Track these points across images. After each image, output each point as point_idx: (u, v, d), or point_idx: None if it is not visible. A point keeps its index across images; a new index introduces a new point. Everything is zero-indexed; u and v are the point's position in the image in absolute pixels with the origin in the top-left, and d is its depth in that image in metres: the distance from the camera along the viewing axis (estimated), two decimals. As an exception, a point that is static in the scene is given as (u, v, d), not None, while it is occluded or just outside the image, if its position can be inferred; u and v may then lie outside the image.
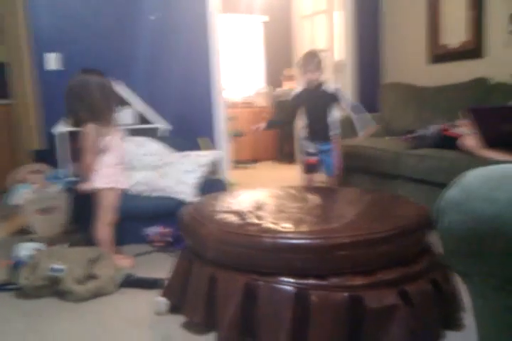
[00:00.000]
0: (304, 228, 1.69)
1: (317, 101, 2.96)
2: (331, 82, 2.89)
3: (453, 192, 0.88)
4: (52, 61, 3.49)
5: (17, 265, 2.19)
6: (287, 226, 1.71)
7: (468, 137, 2.73)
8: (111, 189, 2.43)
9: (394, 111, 3.96)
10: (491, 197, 0.80)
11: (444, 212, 0.89)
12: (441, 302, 1.63)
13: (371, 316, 1.50)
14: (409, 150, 3.06)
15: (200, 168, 3.07)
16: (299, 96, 3.04)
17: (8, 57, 4.32)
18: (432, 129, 3.09)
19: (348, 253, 1.59)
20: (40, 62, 3.51)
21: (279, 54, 6.61)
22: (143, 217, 2.90)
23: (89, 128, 2.36)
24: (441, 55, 3.95)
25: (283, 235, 1.64)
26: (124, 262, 2.44)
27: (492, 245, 0.80)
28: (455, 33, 3.79)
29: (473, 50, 3.66)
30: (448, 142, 2.88)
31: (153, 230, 2.81)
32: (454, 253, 0.89)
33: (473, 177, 0.88)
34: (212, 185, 3.07)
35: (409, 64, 4.25)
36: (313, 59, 2.92)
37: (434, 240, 1.24)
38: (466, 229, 0.83)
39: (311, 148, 3.04)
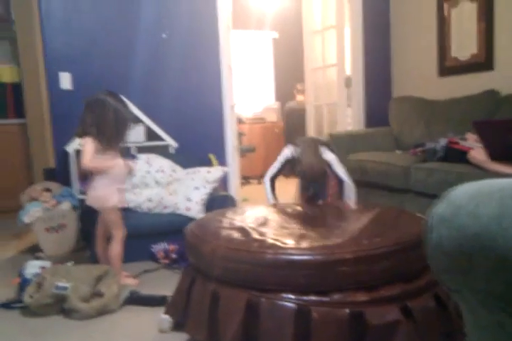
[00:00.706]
0: (305, 244, 1.67)
1: None
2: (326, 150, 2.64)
3: (441, 207, 0.87)
4: (64, 81, 3.56)
5: (23, 283, 2.21)
6: (289, 242, 1.70)
7: (478, 150, 2.70)
8: (107, 208, 2.44)
9: (403, 124, 3.94)
10: (476, 213, 0.79)
11: (433, 228, 0.87)
12: (445, 318, 1.60)
13: (373, 332, 1.47)
14: (418, 164, 3.03)
15: (208, 185, 3.08)
16: (290, 162, 2.74)
17: (23, 77, 4.43)
18: (442, 142, 3.06)
19: (350, 270, 1.57)
20: (53, 82, 3.58)
21: (290, 69, 6.66)
22: (151, 234, 2.91)
23: (86, 141, 2.38)
24: (451, 68, 3.93)
25: (284, 251, 1.63)
26: (129, 280, 2.44)
27: (479, 261, 0.79)
28: (466, 45, 3.78)
29: (483, 63, 3.64)
30: (457, 155, 2.84)
31: (159, 247, 2.81)
32: (443, 269, 0.87)
33: (461, 192, 0.86)
34: (220, 201, 3.07)
35: (419, 77, 4.24)
36: (316, 152, 2.56)
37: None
38: (456, 245, 0.82)
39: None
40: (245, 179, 6.09)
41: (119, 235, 2.45)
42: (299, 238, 1.75)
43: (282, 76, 7.00)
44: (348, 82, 4.52)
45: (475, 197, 0.82)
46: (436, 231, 0.85)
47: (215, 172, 3.17)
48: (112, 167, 2.41)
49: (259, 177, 6.20)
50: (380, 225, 1.82)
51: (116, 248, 2.43)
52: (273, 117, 6.74)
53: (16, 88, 4.53)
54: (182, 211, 2.98)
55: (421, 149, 3.23)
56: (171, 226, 2.91)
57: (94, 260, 2.63)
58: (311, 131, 4.92)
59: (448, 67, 3.96)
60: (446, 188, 0.90)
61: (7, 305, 2.19)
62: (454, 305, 1.59)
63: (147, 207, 3.05)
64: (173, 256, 2.73)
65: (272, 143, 6.53)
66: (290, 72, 6.61)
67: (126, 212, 2.94)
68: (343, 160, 3.51)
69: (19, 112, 4.51)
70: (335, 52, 4.67)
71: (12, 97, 4.56)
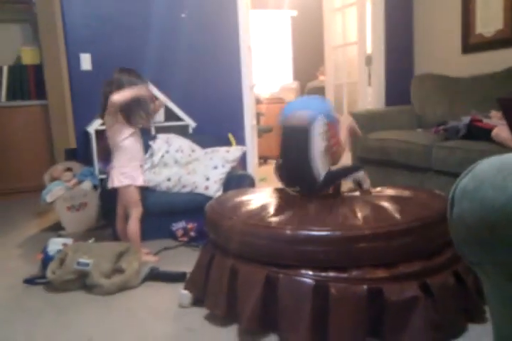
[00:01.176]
0: (324, 220, 1.67)
1: None
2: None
3: (465, 181, 0.86)
4: (85, 62, 3.57)
5: (46, 260, 2.26)
6: (308, 218, 1.70)
7: (502, 128, 2.63)
8: (128, 186, 2.46)
9: (426, 102, 3.87)
10: (502, 186, 0.77)
11: (457, 201, 0.86)
12: (464, 295, 1.58)
13: (392, 308, 1.47)
14: (439, 143, 2.98)
15: (227, 164, 3.08)
16: None
17: (44, 59, 4.45)
18: (465, 120, 2.99)
19: (368, 246, 1.56)
20: (73, 63, 3.59)
21: (309, 48, 6.56)
22: (170, 212, 2.93)
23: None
24: (475, 45, 3.82)
25: (303, 227, 1.63)
26: (149, 257, 2.48)
27: (503, 233, 0.77)
28: (491, 21, 3.66)
29: (509, 39, 3.53)
30: (480, 133, 2.78)
31: (179, 225, 2.84)
32: (465, 242, 0.86)
33: (486, 165, 0.85)
34: (239, 180, 3.07)
35: (442, 54, 4.14)
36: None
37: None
38: (478, 218, 0.81)
39: None
40: (263, 159, 6.08)
41: (136, 213, 2.48)
42: (318, 215, 1.74)
43: (301, 55, 6.90)
44: (368, 60, 4.44)
45: (500, 169, 0.80)
46: (458, 205, 0.84)
47: (234, 151, 3.16)
48: (136, 92, 2.37)
49: (277, 158, 6.18)
50: (399, 203, 1.79)
51: (133, 226, 2.46)
52: (291, 97, 6.67)
53: (38, 69, 4.55)
54: (200, 190, 2.99)
55: (443, 127, 3.17)
56: (190, 205, 2.92)
57: (114, 238, 2.67)
58: (330, 111, 4.86)
59: (472, 44, 3.85)
60: (467, 166, 0.88)
61: (31, 281, 2.24)
62: (474, 281, 1.58)
63: (166, 187, 3.07)
64: (192, 234, 2.76)
65: (290, 124, 6.48)
66: (309, 51, 6.51)
67: (146, 191, 2.97)
68: (363, 139, 3.47)
69: (40, 93, 4.55)
70: (355, 30, 4.57)
71: (33, 79, 4.59)
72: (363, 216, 1.66)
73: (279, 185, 2.24)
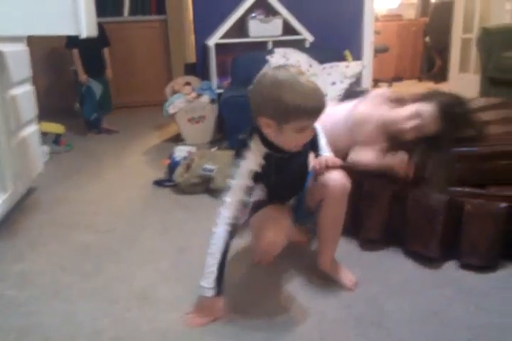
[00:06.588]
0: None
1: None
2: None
3: None
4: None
5: (173, 164, 2.40)
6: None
7: None
8: None
9: None
10: None
11: None
12: None
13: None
14: None
15: (346, 80, 2.97)
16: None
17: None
18: None
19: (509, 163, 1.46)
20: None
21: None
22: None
23: None
24: None
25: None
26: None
27: None
28: None
29: None
30: None
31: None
32: None
33: None
34: (358, 97, 2.96)
35: None
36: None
37: None
38: None
39: None
40: (374, 82, 5.81)
41: None
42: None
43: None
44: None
45: None
46: None
47: (353, 67, 3.03)
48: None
49: (390, 81, 5.89)
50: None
51: None
52: (411, 14, 6.18)
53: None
54: (317, 106, 2.94)
55: None
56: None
57: (231, 149, 2.75)
58: (458, 28, 4.45)
59: None
60: None
61: (160, 183, 2.41)
62: None
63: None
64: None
65: (407, 43, 6.08)
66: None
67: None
68: (496, 58, 3.16)
69: (160, 9, 4.61)
70: None
71: (154, -6, 4.65)
72: (506, 131, 1.54)
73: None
